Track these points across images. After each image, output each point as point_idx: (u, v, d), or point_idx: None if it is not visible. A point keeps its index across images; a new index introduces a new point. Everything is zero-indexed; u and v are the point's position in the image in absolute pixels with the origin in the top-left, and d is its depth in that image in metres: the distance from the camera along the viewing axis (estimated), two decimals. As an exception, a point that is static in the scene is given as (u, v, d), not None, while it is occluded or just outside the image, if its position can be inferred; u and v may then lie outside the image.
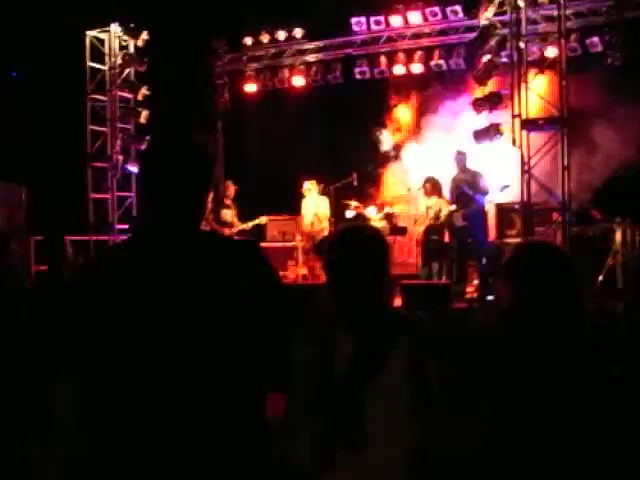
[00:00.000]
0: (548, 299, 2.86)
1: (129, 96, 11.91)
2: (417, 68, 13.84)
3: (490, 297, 9.72)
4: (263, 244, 13.34)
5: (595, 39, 12.37)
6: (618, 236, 9.43)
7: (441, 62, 13.51)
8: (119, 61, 11.48)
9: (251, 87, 15.00)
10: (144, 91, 11.75)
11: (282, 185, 13.32)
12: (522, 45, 9.92)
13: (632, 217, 10.43)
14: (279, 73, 14.83)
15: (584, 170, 10.56)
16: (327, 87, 14.54)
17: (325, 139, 14.20)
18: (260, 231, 13.48)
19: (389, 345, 2.43)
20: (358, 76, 14.18)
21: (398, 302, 9.84)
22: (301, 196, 12.59)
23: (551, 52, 10.98)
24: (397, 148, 14.19)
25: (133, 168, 11.70)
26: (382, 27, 13.95)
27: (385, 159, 14.07)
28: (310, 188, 12.37)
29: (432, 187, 10.71)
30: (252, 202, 12.96)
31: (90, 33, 11.65)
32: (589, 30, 12.54)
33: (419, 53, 13.82)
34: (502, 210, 11.47)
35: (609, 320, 8.82)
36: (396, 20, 13.76)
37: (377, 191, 13.86)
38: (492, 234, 11.99)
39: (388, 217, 12.59)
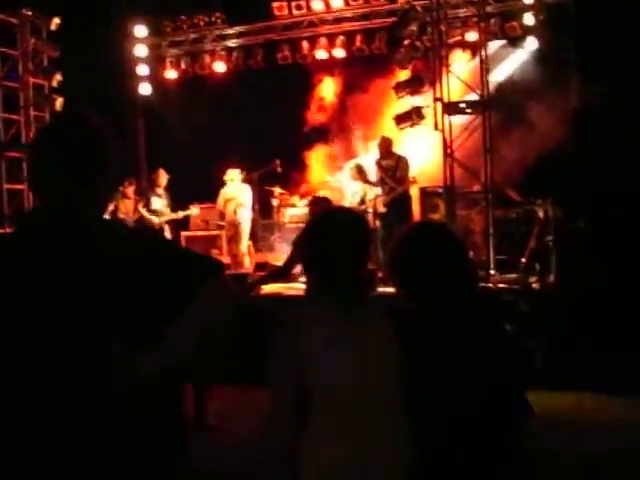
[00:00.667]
0: (441, 286, 2.55)
1: (43, 83, 11.43)
2: (339, 53, 13.74)
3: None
4: (186, 233, 13.14)
5: (515, 23, 12.49)
6: (536, 216, 9.52)
7: (363, 47, 13.44)
8: (31, 47, 10.98)
9: (172, 74, 14.68)
10: (58, 77, 11.32)
11: (205, 173, 13.08)
12: (443, 28, 9.89)
13: (554, 197, 10.61)
14: (200, 59, 14.53)
15: (508, 152, 10.61)
16: (249, 73, 14.33)
17: (248, 125, 13.97)
18: (185, 220, 13.25)
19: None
20: (280, 61, 14.01)
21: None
22: (223, 184, 12.42)
23: (472, 36, 11.04)
24: (322, 129, 14.02)
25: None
26: (304, 12, 13.80)
27: (310, 143, 13.88)
28: (233, 177, 12.26)
29: (357, 172, 10.66)
30: (176, 190, 12.71)
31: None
32: (509, 15, 12.65)
33: (341, 38, 13.71)
34: (426, 194, 11.50)
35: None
36: (318, 4, 13.63)
37: (302, 177, 13.70)
38: (415, 219, 12.04)
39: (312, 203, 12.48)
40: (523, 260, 10.02)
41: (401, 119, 10.43)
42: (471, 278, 2.73)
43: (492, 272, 9.89)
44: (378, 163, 10.37)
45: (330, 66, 14.04)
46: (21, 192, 11.30)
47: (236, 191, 12.18)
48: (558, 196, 10.69)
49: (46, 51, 11.31)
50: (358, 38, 13.50)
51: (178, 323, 2.02)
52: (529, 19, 12.32)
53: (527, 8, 12.31)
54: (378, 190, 10.31)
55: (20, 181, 11.28)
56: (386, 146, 10.31)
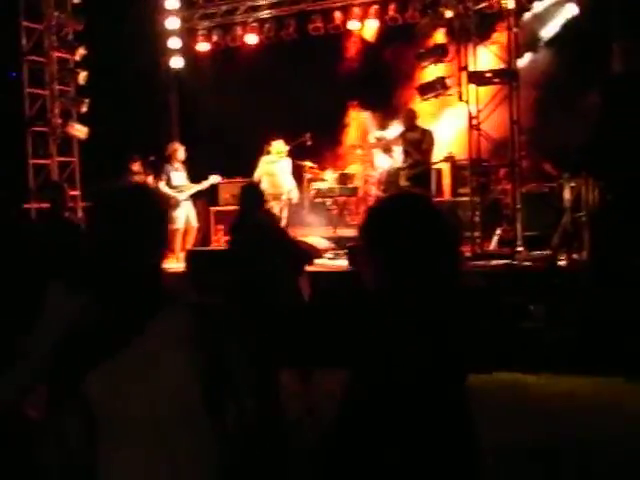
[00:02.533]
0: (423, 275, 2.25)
1: (68, 57, 11.37)
2: (372, 23, 13.38)
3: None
4: (215, 208, 13.00)
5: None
6: (567, 194, 9.10)
7: (397, 16, 13.04)
8: (55, 20, 10.92)
9: (204, 46, 14.51)
10: (82, 51, 11.24)
11: (235, 147, 12.92)
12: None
13: (588, 171, 10.14)
14: (232, 31, 14.33)
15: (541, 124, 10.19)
16: (281, 44, 14.06)
17: (280, 98, 13.74)
18: (213, 194, 13.12)
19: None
20: (312, 32, 13.71)
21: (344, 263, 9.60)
22: (259, 155, 12.10)
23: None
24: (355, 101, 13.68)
25: (74, 131, 11.27)
26: (337, -19, 13.46)
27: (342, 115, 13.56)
28: (279, 150, 11.66)
29: (383, 145, 10.44)
30: (205, 164, 12.56)
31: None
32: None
33: (374, 7, 13.34)
34: (456, 168, 11.17)
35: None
36: (350, -27, 13.29)
37: (333, 151, 13.41)
38: (446, 193, 11.73)
39: (342, 178, 12.28)
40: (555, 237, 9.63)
41: (425, 89, 10.07)
42: (450, 260, 2.43)
43: (519, 249, 9.53)
44: (403, 135, 10.05)
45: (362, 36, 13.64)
46: (47, 166, 11.30)
47: (281, 167, 11.61)
48: (595, 171, 10.28)
49: (70, 25, 11.22)
50: (391, 7, 13.10)
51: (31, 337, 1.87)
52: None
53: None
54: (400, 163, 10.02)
55: (46, 156, 11.29)
56: (411, 118, 9.98)
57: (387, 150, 10.60)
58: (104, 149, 12.74)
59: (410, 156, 9.86)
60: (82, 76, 11.21)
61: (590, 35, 11.24)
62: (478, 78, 9.31)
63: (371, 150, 11.43)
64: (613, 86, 10.88)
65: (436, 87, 9.68)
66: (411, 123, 9.96)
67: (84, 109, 11.37)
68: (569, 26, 11.44)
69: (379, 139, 11.00)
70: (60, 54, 11.28)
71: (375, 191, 10.94)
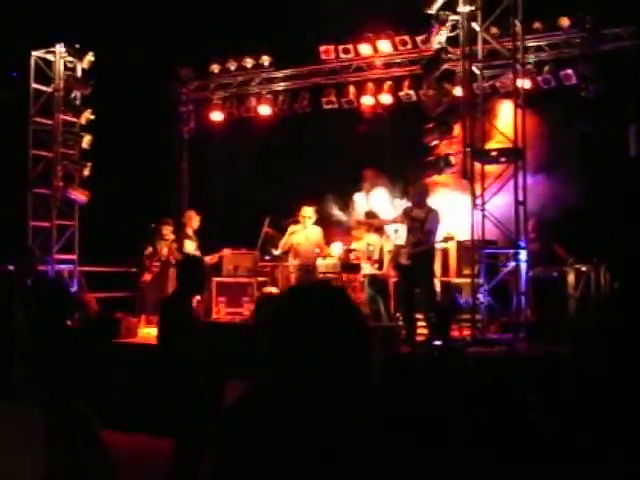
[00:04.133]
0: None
1: (75, 120, 11.33)
2: (386, 98, 13.27)
3: (437, 342, 9.07)
4: (218, 279, 12.71)
5: (569, 71, 11.82)
6: (571, 279, 8.70)
7: (410, 92, 12.93)
8: (63, 84, 10.92)
9: (217, 115, 14.49)
10: (88, 115, 11.19)
11: (243, 218, 12.73)
12: (476, 70, 9.28)
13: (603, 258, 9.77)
14: (246, 102, 14.32)
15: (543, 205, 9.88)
16: (295, 117, 14.01)
17: (291, 170, 13.61)
18: (217, 265, 12.87)
19: None
20: (326, 105, 13.64)
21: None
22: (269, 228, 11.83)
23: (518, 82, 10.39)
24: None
25: (75, 195, 11.14)
26: (351, 56, 13.43)
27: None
28: (311, 216, 11.15)
29: (366, 218, 10.25)
30: (213, 234, 12.38)
31: (35, 53, 11.13)
32: (562, 63, 12.00)
33: (388, 83, 13.26)
34: (463, 248, 10.80)
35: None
36: (365, 49, 13.25)
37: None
38: (452, 274, 11.35)
39: (346, 253, 11.98)
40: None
41: (428, 167, 9.80)
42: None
43: (521, 335, 9.10)
44: (407, 212, 9.70)
45: (375, 112, 13.50)
46: (46, 229, 11.17)
47: (310, 232, 11.12)
48: (606, 256, 9.91)
49: (78, 88, 11.20)
50: (405, 84, 13.01)
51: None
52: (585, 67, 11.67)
53: (582, 56, 11.67)
54: (398, 240, 9.70)
55: (46, 218, 11.17)
56: (421, 193, 9.61)
57: (377, 230, 10.34)
58: (107, 214, 12.64)
59: (412, 234, 9.50)
60: (86, 140, 11.14)
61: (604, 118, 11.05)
62: (483, 156, 9.03)
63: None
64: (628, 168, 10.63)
65: (439, 164, 9.41)
66: (419, 198, 9.60)
67: (86, 173, 11.27)
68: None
69: (370, 215, 10.75)
70: (66, 117, 11.22)
71: (370, 269, 10.60)
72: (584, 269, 9.76)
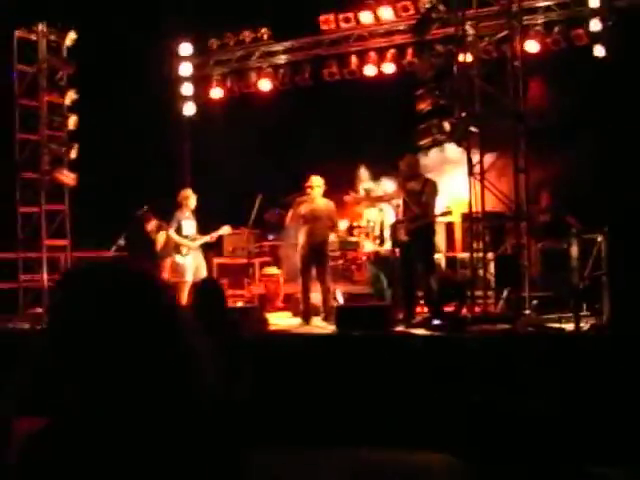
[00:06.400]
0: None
1: (60, 101, 10.92)
2: (389, 68, 12.68)
3: (437, 321, 8.55)
4: (218, 260, 12.31)
5: (580, 31, 11.16)
6: (574, 249, 8.10)
7: (414, 61, 12.30)
8: (46, 64, 10.52)
9: (217, 92, 14.04)
10: (72, 95, 10.77)
11: (245, 197, 12.26)
12: (470, 31, 8.66)
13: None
14: (246, 77, 13.82)
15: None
16: (296, 90, 13.50)
17: (294, 145, 13.14)
18: (218, 245, 12.42)
19: None
20: (327, 77, 13.10)
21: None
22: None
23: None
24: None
25: (62, 178, 10.76)
26: (352, 24, 12.85)
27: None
28: (320, 185, 9.93)
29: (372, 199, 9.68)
30: (215, 213, 11.91)
31: (18, 33, 10.73)
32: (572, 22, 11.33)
33: (391, 51, 12.66)
34: (468, 220, 10.22)
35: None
36: (367, 17, 12.67)
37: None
38: (458, 248, 10.82)
39: (349, 230, 11.52)
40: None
41: (421, 135, 9.20)
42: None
43: (527, 312, 8.52)
44: (402, 185, 9.16)
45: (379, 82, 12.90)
46: (35, 214, 10.83)
47: (323, 205, 9.89)
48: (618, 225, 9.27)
49: (63, 68, 10.79)
50: (409, 51, 12.40)
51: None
52: (596, 25, 10.99)
53: (594, 13, 10.98)
54: (395, 216, 9.16)
55: (34, 203, 10.83)
56: (411, 166, 9.04)
57: (375, 204, 9.83)
58: (102, 198, 12.29)
59: (409, 208, 8.95)
60: (72, 121, 10.72)
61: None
62: (480, 120, 8.42)
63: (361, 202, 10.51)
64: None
65: (432, 131, 8.81)
66: (411, 171, 9.04)
67: (73, 155, 10.86)
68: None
69: (368, 191, 10.20)
70: (51, 98, 10.82)
71: (371, 246, 10.08)
72: (599, 239, 9.17)
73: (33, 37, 10.83)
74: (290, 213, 9.94)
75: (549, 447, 6.67)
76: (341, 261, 11.18)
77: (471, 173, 8.47)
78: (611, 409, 6.78)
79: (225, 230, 11.05)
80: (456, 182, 9.80)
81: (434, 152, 10.54)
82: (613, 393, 6.86)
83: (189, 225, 10.79)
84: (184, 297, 10.71)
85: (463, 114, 8.35)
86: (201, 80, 14.23)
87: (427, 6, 9.09)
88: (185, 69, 14.06)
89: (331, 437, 6.87)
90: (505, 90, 8.51)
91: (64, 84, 10.87)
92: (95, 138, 11.88)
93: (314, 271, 9.61)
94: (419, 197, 8.93)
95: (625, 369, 6.88)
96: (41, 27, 10.69)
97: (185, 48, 14.02)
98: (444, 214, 9.27)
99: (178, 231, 10.66)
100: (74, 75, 11.03)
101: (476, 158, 8.62)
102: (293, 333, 8.93)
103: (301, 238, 9.68)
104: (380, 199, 9.80)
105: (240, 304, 11.02)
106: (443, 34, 10.50)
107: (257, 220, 10.90)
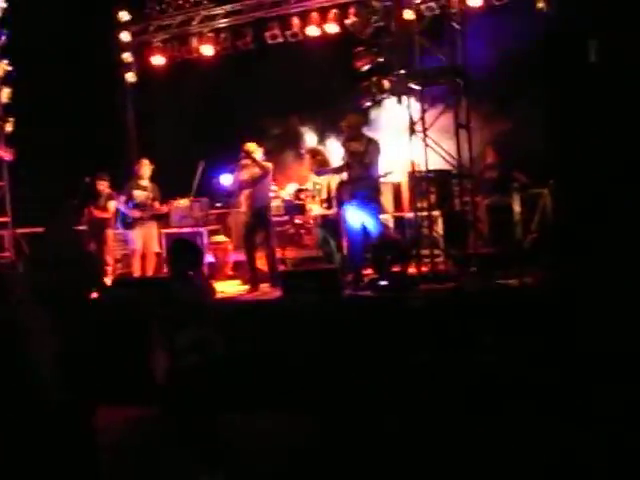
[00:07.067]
0: None
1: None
2: (332, 28, 12.45)
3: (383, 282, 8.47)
4: (166, 230, 12.11)
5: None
6: (516, 206, 8.09)
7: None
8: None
9: (159, 59, 13.73)
10: (4, 66, 10.45)
11: (191, 165, 12.03)
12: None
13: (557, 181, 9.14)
14: (187, 42, 13.54)
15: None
16: (238, 54, 13.25)
17: (237, 109, 12.90)
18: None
19: None
20: (269, 40, 12.85)
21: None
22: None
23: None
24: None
25: (1, 153, 10.48)
26: (293, -15, 12.60)
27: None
28: (254, 150, 9.71)
29: (319, 161, 9.50)
30: (162, 184, 11.68)
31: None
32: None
33: (334, 11, 12.42)
34: (416, 180, 10.11)
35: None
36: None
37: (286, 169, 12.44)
38: (406, 208, 10.75)
39: (296, 194, 11.37)
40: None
41: (360, 94, 9.04)
42: None
43: (473, 269, 8.51)
44: (344, 145, 8.99)
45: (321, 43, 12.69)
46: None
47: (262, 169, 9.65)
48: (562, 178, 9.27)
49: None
50: (351, 11, 12.16)
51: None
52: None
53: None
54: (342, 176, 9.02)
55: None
56: (354, 126, 8.86)
57: (322, 164, 9.67)
58: (46, 171, 11.98)
59: (352, 169, 8.82)
60: (5, 93, 10.42)
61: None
62: (420, 77, 8.29)
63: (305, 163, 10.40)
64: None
65: (372, 90, 8.66)
66: (354, 132, 8.89)
67: (9, 128, 10.57)
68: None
69: (314, 152, 10.05)
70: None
71: (319, 209, 9.97)
72: (544, 192, 9.17)
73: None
74: (232, 178, 9.82)
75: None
76: (289, 226, 11.05)
77: (413, 131, 8.35)
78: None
79: (183, 202, 10.99)
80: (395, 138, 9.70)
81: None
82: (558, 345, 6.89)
83: (141, 195, 10.65)
84: (135, 265, 10.65)
85: (402, 71, 8.19)
86: (142, 46, 13.89)
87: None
88: (125, 36, 13.71)
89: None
90: (444, 45, 8.38)
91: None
92: (34, 110, 11.59)
93: (259, 236, 9.49)
94: (362, 158, 8.80)
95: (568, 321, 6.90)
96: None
97: (124, 14, 13.65)
98: (386, 174, 9.17)
99: (128, 201, 10.54)
100: (5, 45, 10.66)
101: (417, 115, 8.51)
102: (237, 300, 8.81)
103: (242, 204, 9.57)
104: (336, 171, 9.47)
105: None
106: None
107: (200, 187, 10.69)
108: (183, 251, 5.81)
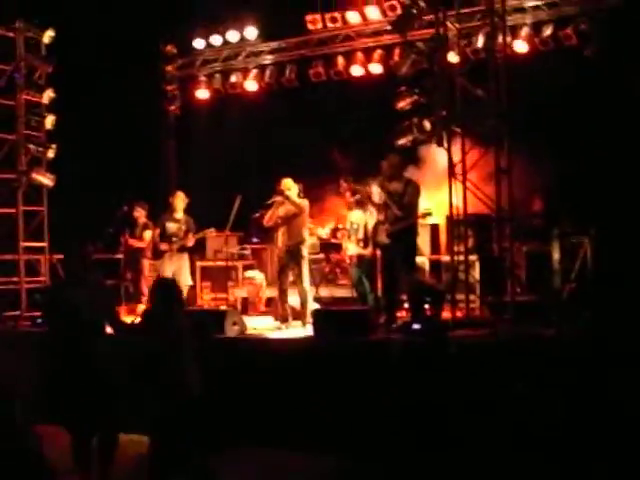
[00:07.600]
0: None
1: (38, 100, 10.74)
2: (376, 68, 12.47)
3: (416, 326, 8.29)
4: (202, 263, 12.10)
5: (568, 30, 10.92)
6: (556, 253, 7.88)
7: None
8: (24, 62, 10.34)
9: (203, 93, 13.86)
10: (50, 94, 10.59)
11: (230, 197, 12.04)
12: (451, 26, 8.45)
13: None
14: (231, 77, 13.64)
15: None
16: (282, 90, 13.30)
17: (278, 146, 12.93)
18: (203, 247, 12.19)
19: None
20: (313, 78, 12.89)
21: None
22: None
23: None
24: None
25: (40, 179, 10.57)
26: (339, 25, 12.63)
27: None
28: (290, 187, 9.78)
29: (357, 199, 9.45)
30: (199, 214, 11.68)
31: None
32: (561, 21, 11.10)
33: (378, 52, 12.45)
34: (453, 223, 9.96)
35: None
36: (353, 17, 12.44)
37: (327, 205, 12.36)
38: (442, 251, 10.60)
39: (333, 232, 11.31)
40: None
41: (400, 133, 8.97)
42: None
43: (508, 316, 8.29)
44: (383, 186, 8.90)
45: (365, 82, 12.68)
46: (12, 216, 10.64)
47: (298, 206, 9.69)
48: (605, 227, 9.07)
49: (40, 67, 10.60)
50: (396, 52, 12.16)
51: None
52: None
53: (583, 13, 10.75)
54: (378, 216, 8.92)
55: (11, 205, 10.64)
56: (394, 166, 8.79)
57: (361, 204, 9.60)
58: (86, 199, 12.07)
59: (390, 209, 8.71)
60: (50, 120, 10.54)
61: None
62: (461, 119, 8.20)
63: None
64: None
65: (412, 130, 8.59)
66: (393, 172, 8.81)
67: (51, 155, 10.69)
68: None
69: (350, 189, 9.98)
70: (28, 97, 10.62)
71: (355, 249, 9.83)
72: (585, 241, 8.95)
73: (11, 34, 10.65)
74: (267, 215, 9.77)
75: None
76: (324, 264, 10.96)
77: (452, 174, 8.24)
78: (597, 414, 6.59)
79: (209, 233, 10.91)
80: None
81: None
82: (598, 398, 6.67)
83: (174, 227, 10.65)
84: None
85: (444, 112, 8.10)
86: (187, 80, 14.04)
87: (407, 2, 8.86)
88: (170, 68, 13.87)
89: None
90: (487, 88, 8.28)
91: (42, 83, 10.69)
92: (77, 139, 11.72)
93: (292, 273, 9.42)
94: (401, 198, 8.71)
95: (606, 374, 6.66)
96: (19, 24, 10.52)
97: (170, 48, 13.83)
98: (424, 215, 9.06)
99: (162, 233, 10.55)
100: (53, 73, 10.83)
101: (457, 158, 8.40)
102: (265, 337, 8.70)
103: (278, 240, 9.52)
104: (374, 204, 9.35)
105: (223, 307, 10.78)
106: (429, 35, 10.25)
107: (238, 222, 10.63)
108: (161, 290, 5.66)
